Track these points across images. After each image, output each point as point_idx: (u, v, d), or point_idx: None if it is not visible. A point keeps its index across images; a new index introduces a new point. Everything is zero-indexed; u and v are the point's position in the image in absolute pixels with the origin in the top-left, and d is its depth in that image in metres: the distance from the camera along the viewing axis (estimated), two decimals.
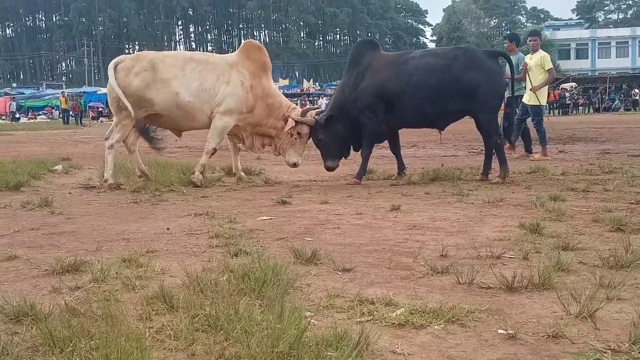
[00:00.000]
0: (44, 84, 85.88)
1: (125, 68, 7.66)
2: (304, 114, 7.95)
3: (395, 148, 8.35)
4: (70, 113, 42.48)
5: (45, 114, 54.38)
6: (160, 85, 7.60)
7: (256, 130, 8.00)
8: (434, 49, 9.26)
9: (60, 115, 45.20)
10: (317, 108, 8.36)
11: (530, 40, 11.22)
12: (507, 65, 8.61)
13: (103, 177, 7.75)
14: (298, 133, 7.85)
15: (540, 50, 10.98)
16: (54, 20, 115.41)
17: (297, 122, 7.80)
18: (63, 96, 44.27)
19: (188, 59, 7.87)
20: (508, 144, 11.17)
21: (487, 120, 7.61)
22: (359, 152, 8.15)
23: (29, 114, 55.47)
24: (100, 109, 54.62)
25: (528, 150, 11.18)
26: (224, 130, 7.82)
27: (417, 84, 7.53)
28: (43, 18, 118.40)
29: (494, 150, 7.74)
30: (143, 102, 7.62)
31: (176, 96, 7.62)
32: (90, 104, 54.68)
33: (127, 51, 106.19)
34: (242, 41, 8.88)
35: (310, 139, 8.01)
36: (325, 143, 7.93)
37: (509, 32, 61.02)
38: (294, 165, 8.03)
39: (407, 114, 7.73)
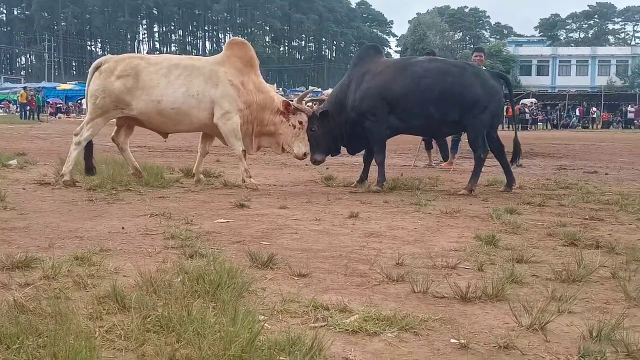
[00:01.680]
0: (2, 77, 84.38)
1: (108, 69, 7.62)
2: (300, 100, 7.93)
3: (369, 156, 8.35)
4: (26, 107, 41.77)
5: (1, 108, 53.35)
6: (140, 93, 7.55)
7: (255, 129, 7.93)
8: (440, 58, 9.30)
9: (18, 110, 44.42)
10: (310, 90, 8.34)
11: (475, 56, 11.51)
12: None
13: (59, 173, 7.61)
14: (299, 122, 7.81)
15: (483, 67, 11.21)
16: (15, 13, 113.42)
17: (295, 111, 7.77)
18: (25, 91, 43.52)
19: (173, 65, 7.78)
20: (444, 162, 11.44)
21: (475, 136, 7.67)
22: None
23: None
24: (58, 105, 53.85)
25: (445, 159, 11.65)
26: (236, 131, 7.72)
27: (428, 86, 7.53)
28: (4, 11, 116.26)
29: (509, 161, 7.99)
30: (121, 104, 7.57)
31: (158, 104, 7.56)
32: (49, 100, 53.82)
33: (89, 48, 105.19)
34: (207, 43, 8.86)
35: None
36: (316, 136, 7.91)
37: (476, 46, 61.84)
38: (304, 155, 7.94)
39: (412, 117, 7.73)
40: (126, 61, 7.74)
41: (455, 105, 7.52)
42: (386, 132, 7.90)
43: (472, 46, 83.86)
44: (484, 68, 10.45)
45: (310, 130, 7.87)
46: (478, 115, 7.54)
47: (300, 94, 8.64)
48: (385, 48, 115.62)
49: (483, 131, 7.65)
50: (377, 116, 7.72)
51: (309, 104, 8.68)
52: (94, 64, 7.89)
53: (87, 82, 7.86)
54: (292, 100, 8.14)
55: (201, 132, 8.28)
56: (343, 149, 8.41)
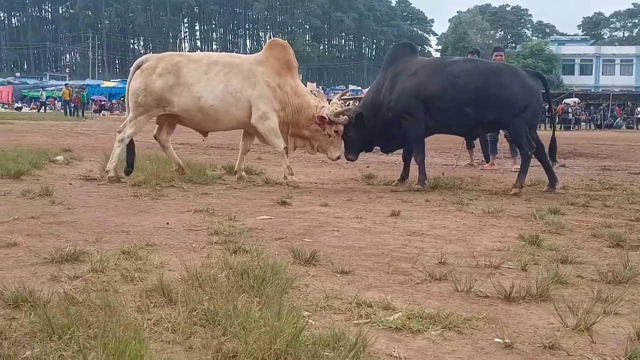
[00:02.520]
0: (48, 75, 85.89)
1: (150, 67, 7.74)
2: (337, 115, 7.96)
3: (408, 155, 8.34)
4: (71, 104, 42.51)
5: (47, 104, 54.36)
6: (182, 89, 7.65)
7: (290, 130, 8.00)
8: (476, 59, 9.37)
9: (62, 107, 45.23)
10: (348, 106, 8.40)
11: (496, 56, 11.37)
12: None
13: (104, 169, 7.75)
14: (335, 131, 7.90)
15: None
16: (60, 12, 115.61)
17: (331, 122, 7.83)
18: (66, 88, 44.28)
19: (213, 62, 7.87)
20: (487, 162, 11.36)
21: (519, 134, 7.64)
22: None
23: (32, 103, 55.47)
24: (102, 102, 54.68)
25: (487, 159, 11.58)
26: (275, 130, 7.80)
27: (463, 86, 7.53)
28: (49, 9, 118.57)
29: (550, 161, 7.93)
30: (163, 102, 7.68)
31: (198, 100, 7.65)
32: (93, 97, 54.69)
33: (132, 46, 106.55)
34: (248, 42, 8.96)
35: None
36: (352, 139, 8.06)
37: (497, 45, 61.23)
38: (337, 158, 8.22)
39: (448, 117, 7.71)
40: (167, 59, 7.85)
41: (493, 105, 7.48)
42: (424, 131, 7.88)
43: (514, 45, 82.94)
44: None
45: (346, 136, 7.99)
46: (519, 114, 7.48)
47: (339, 92, 8.71)
48: (426, 47, 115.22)
49: (525, 129, 7.58)
50: (414, 116, 7.70)
51: (350, 102, 8.67)
52: (135, 63, 8.03)
53: (128, 81, 7.98)
54: (332, 98, 8.18)
55: (242, 130, 8.34)
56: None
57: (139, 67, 7.84)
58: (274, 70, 7.88)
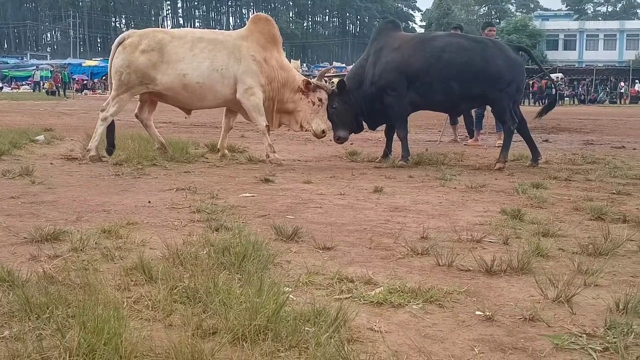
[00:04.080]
0: (28, 54, 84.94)
1: (132, 44, 7.63)
2: (320, 78, 7.92)
3: (390, 131, 8.32)
4: (53, 89, 42.19)
5: (28, 84, 53.82)
6: (166, 67, 7.56)
7: (275, 106, 7.94)
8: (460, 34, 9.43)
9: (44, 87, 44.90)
10: (329, 68, 8.33)
11: (489, 31, 11.30)
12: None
13: (86, 148, 7.68)
14: (319, 99, 7.80)
15: None
16: None
17: (315, 88, 7.77)
18: (49, 82, 44.17)
19: (197, 39, 7.78)
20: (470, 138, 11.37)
21: (503, 109, 7.65)
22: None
23: (12, 83, 54.92)
24: (84, 82, 54.22)
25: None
26: (259, 106, 7.74)
27: (449, 60, 7.51)
28: None
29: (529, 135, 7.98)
30: (146, 79, 7.58)
31: (183, 77, 7.57)
32: (74, 76, 54.22)
33: (113, 24, 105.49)
34: (231, 19, 8.88)
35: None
36: (338, 112, 7.91)
37: (487, 20, 61.11)
38: (323, 132, 7.93)
39: (433, 92, 7.69)
40: (150, 35, 7.74)
41: (478, 80, 7.48)
42: (407, 107, 7.86)
43: (498, 20, 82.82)
44: None
45: (331, 108, 7.85)
46: (504, 89, 7.49)
47: (323, 69, 8.65)
48: (410, 23, 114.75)
49: (510, 104, 7.61)
50: (396, 91, 7.68)
51: (334, 79, 8.65)
52: (117, 39, 7.91)
53: (110, 58, 7.86)
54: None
55: (225, 108, 8.29)
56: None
57: (120, 43, 7.73)
58: (259, 44, 7.82)
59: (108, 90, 8.22)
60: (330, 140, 10.28)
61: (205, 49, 7.70)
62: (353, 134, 8.38)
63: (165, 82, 7.59)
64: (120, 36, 7.98)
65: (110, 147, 7.70)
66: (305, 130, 8.16)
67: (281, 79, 7.85)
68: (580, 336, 2.33)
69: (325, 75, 8.58)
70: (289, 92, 7.87)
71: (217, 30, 8.66)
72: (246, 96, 7.68)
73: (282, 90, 7.87)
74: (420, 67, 7.59)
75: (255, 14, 8.64)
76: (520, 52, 8.58)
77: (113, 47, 7.84)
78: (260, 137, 8.21)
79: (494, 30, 11.48)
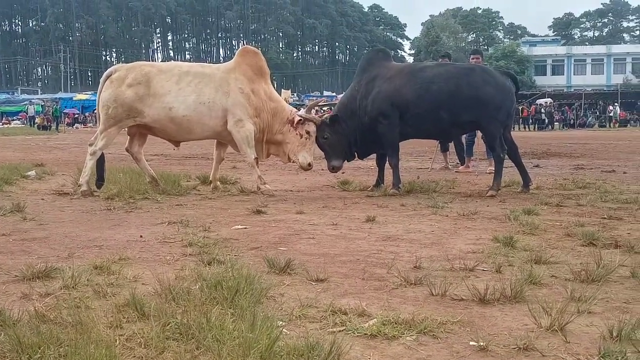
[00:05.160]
0: (19, 89, 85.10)
1: (119, 78, 7.65)
2: (309, 110, 7.95)
3: (382, 160, 8.36)
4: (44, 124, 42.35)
5: (19, 119, 53.84)
6: (152, 100, 7.58)
7: (265, 137, 7.96)
8: (449, 63, 9.64)
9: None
10: (318, 101, 8.42)
11: (473, 59, 11.42)
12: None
13: (77, 183, 7.66)
14: (307, 132, 7.82)
15: None
16: (31, 25, 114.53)
17: (303, 121, 7.80)
18: (40, 116, 44.35)
19: (184, 73, 7.83)
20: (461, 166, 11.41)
21: (493, 135, 7.72)
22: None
23: (3, 119, 54.91)
24: (76, 115, 54.30)
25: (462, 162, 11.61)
26: (249, 138, 7.77)
27: (437, 91, 7.59)
28: (19, 23, 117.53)
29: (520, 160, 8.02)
30: (134, 113, 7.59)
31: (169, 111, 7.59)
32: (65, 111, 54.29)
33: (104, 58, 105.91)
34: (221, 50, 8.96)
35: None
36: (330, 142, 7.91)
37: (475, 48, 61.77)
38: (309, 165, 7.94)
39: (422, 122, 7.76)
40: (137, 69, 7.78)
41: (468, 107, 7.55)
42: (398, 136, 7.90)
43: (486, 47, 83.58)
44: None
45: (322, 139, 7.89)
46: (494, 115, 7.54)
47: (314, 99, 8.74)
48: (399, 51, 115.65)
49: (500, 130, 7.67)
50: (389, 119, 7.73)
51: (325, 109, 8.70)
52: (105, 73, 7.95)
53: (98, 92, 7.88)
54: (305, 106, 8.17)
55: (215, 140, 8.31)
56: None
57: (108, 77, 7.77)
58: (246, 77, 7.87)
59: (97, 124, 8.23)
60: (322, 169, 10.30)
61: (191, 82, 7.74)
62: (346, 162, 8.40)
63: (152, 115, 7.61)
64: (108, 70, 8.02)
65: (100, 181, 7.69)
66: (293, 162, 8.18)
67: (270, 109, 7.90)
68: None
69: (316, 106, 8.64)
70: (278, 123, 7.92)
71: (204, 64, 8.72)
72: (236, 128, 7.71)
73: (271, 121, 7.91)
74: (410, 98, 7.66)
75: (242, 47, 8.70)
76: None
77: (101, 81, 7.88)
78: (248, 168, 8.20)
79: (478, 58, 11.55)
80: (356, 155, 8.49)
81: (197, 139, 8.27)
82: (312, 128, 7.84)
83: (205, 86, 7.75)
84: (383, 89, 7.77)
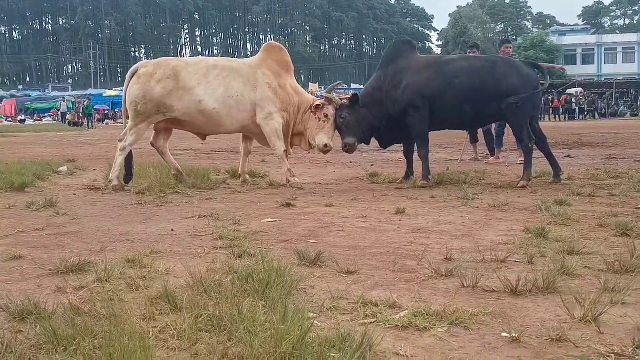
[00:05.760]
0: (50, 86, 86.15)
1: (147, 74, 7.68)
2: (329, 91, 7.96)
3: (409, 151, 8.36)
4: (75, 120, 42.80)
5: (50, 115, 54.51)
6: (182, 93, 7.61)
7: (290, 130, 8.00)
8: (474, 56, 9.67)
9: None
10: (339, 83, 8.49)
11: (506, 48, 11.33)
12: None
13: (108, 178, 7.74)
14: (325, 115, 7.82)
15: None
16: (61, 23, 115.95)
17: (322, 105, 7.81)
18: (71, 112, 44.73)
19: (211, 66, 7.87)
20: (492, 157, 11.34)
21: (520, 125, 7.68)
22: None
23: (35, 115, 55.63)
24: (105, 112, 54.84)
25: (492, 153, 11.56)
26: (278, 131, 7.81)
27: (460, 84, 7.62)
28: (50, 21, 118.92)
29: (550, 151, 7.97)
30: (163, 108, 7.64)
31: (199, 104, 7.63)
32: (96, 107, 54.86)
33: (133, 54, 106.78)
34: (249, 45, 9.01)
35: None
36: (346, 122, 7.86)
37: (504, 37, 61.13)
38: (326, 147, 7.86)
39: (447, 114, 7.79)
40: (164, 64, 7.81)
41: (492, 98, 7.53)
42: (427, 127, 7.88)
43: (515, 37, 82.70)
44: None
45: (339, 118, 7.86)
46: (519, 105, 7.49)
47: (341, 91, 8.78)
48: (427, 43, 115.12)
49: (526, 121, 7.62)
50: (419, 111, 7.71)
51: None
52: (131, 70, 7.95)
53: (125, 88, 7.92)
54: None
55: (241, 133, 8.34)
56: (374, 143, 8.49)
57: (134, 73, 7.81)
58: (273, 71, 7.90)
59: (124, 119, 8.30)
60: (350, 162, 10.31)
61: (219, 75, 7.77)
62: (364, 144, 8.42)
63: (182, 108, 7.65)
64: (134, 66, 8.04)
65: (129, 176, 7.76)
66: (312, 148, 8.16)
67: (296, 103, 7.93)
68: (609, 356, 2.31)
69: (335, 88, 8.71)
70: (301, 115, 7.95)
71: (230, 58, 8.76)
72: (266, 121, 7.74)
73: (296, 114, 7.95)
74: (436, 92, 7.67)
75: (267, 42, 8.74)
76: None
77: (127, 77, 7.90)
78: (279, 162, 8.22)
79: (511, 47, 11.48)
80: (378, 144, 8.48)
81: (225, 133, 8.29)
82: (330, 111, 7.84)
83: (233, 80, 7.78)
84: (412, 81, 7.75)
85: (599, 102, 50.47)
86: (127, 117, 7.88)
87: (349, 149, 8.02)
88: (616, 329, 2.60)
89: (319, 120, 7.81)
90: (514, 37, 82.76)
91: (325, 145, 7.84)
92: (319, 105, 7.80)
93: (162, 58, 8.27)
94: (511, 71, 7.62)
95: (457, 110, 7.68)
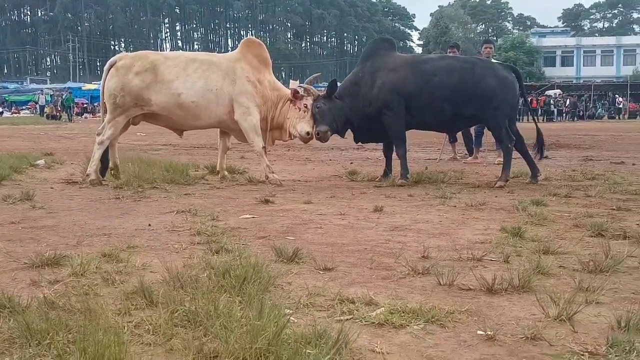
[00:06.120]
0: (28, 78, 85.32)
1: (125, 66, 7.62)
2: (309, 82, 7.98)
3: (388, 150, 8.37)
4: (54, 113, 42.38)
5: (28, 108, 53.97)
6: (160, 87, 7.57)
7: (268, 125, 7.99)
8: (452, 55, 9.75)
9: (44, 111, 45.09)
10: (318, 75, 8.53)
11: (486, 48, 11.42)
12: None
13: (86, 172, 7.68)
14: (305, 105, 7.81)
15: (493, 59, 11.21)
16: (40, 15, 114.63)
17: (301, 96, 7.79)
18: (49, 105, 44.25)
19: (191, 60, 7.85)
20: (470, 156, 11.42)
21: (498, 127, 7.76)
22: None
23: (12, 108, 55.05)
24: (84, 105, 54.36)
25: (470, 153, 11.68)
26: (256, 127, 7.78)
27: (439, 83, 7.64)
28: (28, 13, 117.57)
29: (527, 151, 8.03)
30: (141, 101, 7.59)
31: (178, 97, 7.59)
32: (75, 100, 54.35)
33: (112, 48, 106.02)
34: (230, 41, 8.98)
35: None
36: (321, 110, 7.80)
37: (486, 38, 61.54)
38: (307, 134, 7.79)
39: (424, 113, 7.81)
40: (143, 57, 7.78)
41: (470, 100, 7.60)
42: (404, 126, 7.90)
43: (495, 38, 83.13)
44: (494, 60, 10.46)
45: (315, 108, 7.83)
46: (497, 107, 7.58)
47: (312, 76, 8.76)
48: (408, 42, 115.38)
49: (504, 122, 7.69)
50: (394, 110, 7.73)
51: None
52: (108, 62, 7.88)
53: (102, 81, 7.85)
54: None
55: (219, 129, 8.31)
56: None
57: (112, 66, 7.75)
58: (252, 66, 7.89)
59: (101, 113, 8.22)
60: (330, 160, 10.32)
61: (198, 69, 7.75)
62: (337, 135, 8.36)
63: (160, 102, 7.60)
64: (112, 59, 7.96)
65: (104, 168, 7.70)
66: (294, 137, 8.12)
67: (274, 98, 7.93)
68: (583, 355, 2.33)
69: (315, 80, 8.74)
70: (279, 109, 7.94)
71: (209, 53, 8.72)
72: (244, 117, 7.72)
73: (274, 108, 7.94)
74: (412, 91, 7.70)
75: (246, 38, 8.72)
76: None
77: (105, 69, 7.83)
78: (258, 158, 8.19)
79: (491, 48, 11.54)
80: (353, 138, 8.51)
81: (202, 127, 8.24)
82: (310, 102, 7.84)
83: (212, 73, 7.75)
84: (387, 80, 7.77)
85: (578, 104, 50.93)
86: (105, 111, 7.81)
87: (321, 136, 7.93)
88: (590, 328, 2.63)
89: (299, 110, 7.81)
90: (495, 38, 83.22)
91: (307, 133, 7.80)
92: (297, 92, 7.79)
93: (140, 51, 8.23)
94: (489, 73, 7.68)
95: (434, 110, 7.72)
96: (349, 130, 8.25)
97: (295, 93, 7.80)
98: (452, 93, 7.60)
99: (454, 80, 7.63)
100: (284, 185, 7.59)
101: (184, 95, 7.59)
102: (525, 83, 8.63)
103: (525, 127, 8.08)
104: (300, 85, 7.93)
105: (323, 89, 8.57)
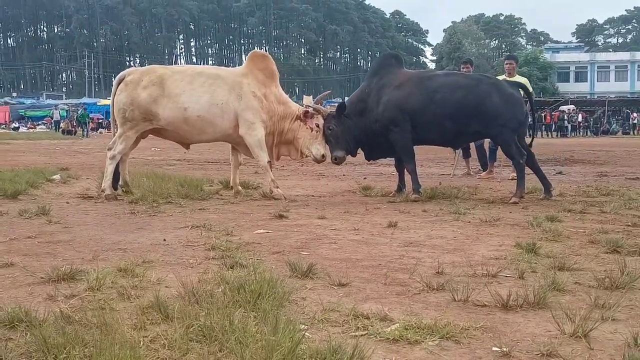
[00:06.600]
0: (44, 94, 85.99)
1: (134, 81, 7.71)
2: (318, 101, 8.00)
3: (400, 165, 8.38)
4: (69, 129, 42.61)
5: (44, 124, 54.36)
6: (167, 101, 7.63)
7: (275, 140, 8.02)
8: (457, 72, 9.79)
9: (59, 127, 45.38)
10: (328, 92, 8.56)
11: (507, 64, 11.37)
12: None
13: (101, 187, 7.73)
14: (317, 125, 7.86)
15: (517, 75, 11.17)
16: (56, 31, 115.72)
17: (312, 115, 7.84)
18: (65, 121, 44.62)
19: (197, 74, 7.91)
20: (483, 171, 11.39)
21: (507, 144, 7.76)
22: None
23: (29, 123, 55.47)
24: (100, 120, 54.70)
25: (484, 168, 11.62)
26: (261, 142, 7.81)
27: (442, 100, 7.67)
28: (45, 29, 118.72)
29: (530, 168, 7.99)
30: (149, 115, 7.65)
31: (184, 111, 7.65)
32: (91, 115, 54.71)
33: (128, 64, 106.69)
34: (244, 56, 9.04)
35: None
36: (334, 134, 7.89)
37: (508, 53, 61.48)
38: (323, 157, 7.92)
39: (428, 129, 7.84)
40: (151, 71, 7.86)
41: (474, 117, 7.64)
42: (411, 141, 7.94)
43: (508, 54, 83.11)
44: (517, 76, 10.47)
45: (328, 130, 7.89)
46: (503, 124, 7.61)
47: (322, 94, 8.82)
48: (421, 57, 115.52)
49: (513, 138, 7.68)
50: (400, 127, 7.78)
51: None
52: (117, 77, 7.99)
53: (112, 95, 7.94)
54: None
55: (230, 145, 8.35)
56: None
57: (121, 81, 7.83)
58: (258, 81, 7.92)
59: (112, 127, 8.28)
60: (344, 175, 10.34)
61: (205, 83, 7.80)
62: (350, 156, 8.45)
63: (167, 116, 7.66)
64: (121, 74, 8.05)
65: (114, 181, 7.75)
66: (306, 157, 8.17)
67: (280, 112, 7.96)
68: None
69: (324, 98, 8.75)
70: (288, 124, 7.97)
71: (217, 66, 8.77)
72: (249, 132, 7.75)
73: (281, 123, 7.97)
74: (416, 107, 7.74)
75: (252, 51, 8.77)
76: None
77: (114, 84, 7.93)
78: (263, 173, 8.20)
79: (512, 64, 11.37)
80: (364, 156, 8.55)
81: (208, 141, 8.30)
82: (321, 121, 7.88)
83: (218, 87, 7.80)
84: (392, 97, 7.81)
85: (590, 119, 50.78)
86: (116, 125, 7.88)
87: (338, 161, 8.09)
88: (606, 344, 2.62)
89: (311, 131, 7.85)
90: (508, 54, 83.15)
91: (323, 156, 7.90)
92: (307, 112, 7.83)
93: (149, 66, 8.31)
94: (494, 90, 7.70)
95: (438, 126, 7.76)
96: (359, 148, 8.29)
97: (305, 113, 7.84)
98: (455, 110, 7.62)
99: (457, 97, 7.65)
100: (297, 200, 7.60)
101: (190, 110, 7.64)
102: (538, 98, 8.55)
103: (540, 143, 8.05)
104: (309, 105, 7.96)
105: (335, 104, 8.60)
